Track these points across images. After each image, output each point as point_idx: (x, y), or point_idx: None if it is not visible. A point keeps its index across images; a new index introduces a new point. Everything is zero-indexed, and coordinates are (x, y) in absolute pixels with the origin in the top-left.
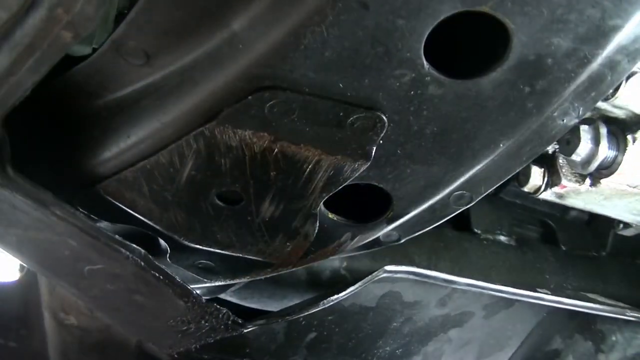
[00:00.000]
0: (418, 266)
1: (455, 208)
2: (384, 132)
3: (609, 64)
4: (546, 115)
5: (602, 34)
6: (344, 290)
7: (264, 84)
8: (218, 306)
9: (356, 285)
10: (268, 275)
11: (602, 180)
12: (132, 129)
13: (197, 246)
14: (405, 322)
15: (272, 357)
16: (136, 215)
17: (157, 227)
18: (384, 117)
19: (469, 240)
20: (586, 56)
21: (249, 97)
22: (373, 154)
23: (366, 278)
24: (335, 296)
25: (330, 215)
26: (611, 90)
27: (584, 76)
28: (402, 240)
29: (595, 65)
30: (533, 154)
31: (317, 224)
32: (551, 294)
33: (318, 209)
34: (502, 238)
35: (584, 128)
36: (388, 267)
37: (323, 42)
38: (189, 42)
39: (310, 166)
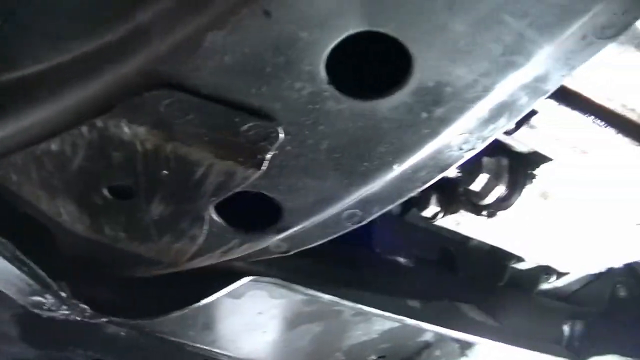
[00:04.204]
0: (307, 277)
1: (346, 225)
2: (279, 142)
3: (509, 99)
4: (443, 142)
5: (502, 69)
6: (206, 295)
7: (161, 82)
8: (77, 302)
9: (217, 294)
10: (155, 274)
11: (498, 213)
12: (25, 111)
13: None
14: (271, 314)
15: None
16: (23, 199)
17: (45, 213)
18: (279, 128)
19: (367, 257)
20: (485, 89)
21: (145, 94)
22: (265, 163)
23: (228, 287)
24: (196, 304)
25: (220, 221)
26: (512, 126)
27: (482, 108)
28: (291, 252)
29: (494, 98)
30: (428, 179)
31: (206, 227)
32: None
33: (207, 213)
34: (400, 259)
35: (486, 159)
36: (249, 278)
37: (224, 46)
38: (93, 29)
39: (201, 169)
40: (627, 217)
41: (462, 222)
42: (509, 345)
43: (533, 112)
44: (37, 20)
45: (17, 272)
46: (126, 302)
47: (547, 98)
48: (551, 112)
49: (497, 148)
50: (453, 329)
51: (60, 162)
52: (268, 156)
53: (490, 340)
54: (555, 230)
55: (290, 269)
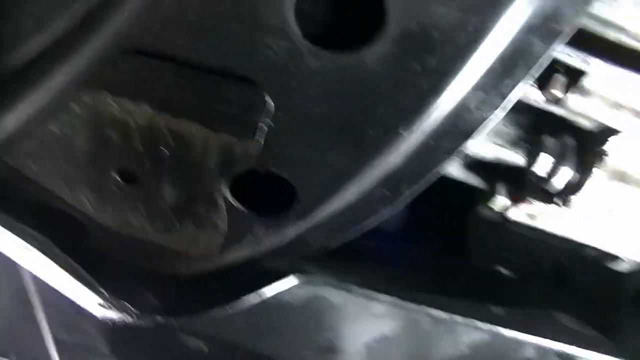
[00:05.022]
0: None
1: (378, 209)
2: (270, 111)
3: (518, 45)
4: (456, 102)
5: (493, 3)
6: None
7: (134, 49)
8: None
9: (271, 290)
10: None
11: (572, 200)
12: (29, 96)
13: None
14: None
15: None
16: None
17: (72, 205)
18: (266, 94)
19: (462, 268)
20: (477, 30)
21: (122, 63)
22: (261, 134)
23: (282, 284)
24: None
25: (238, 205)
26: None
27: (485, 56)
28: (335, 246)
29: (496, 44)
30: (453, 149)
31: (224, 213)
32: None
33: (221, 196)
34: (502, 269)
35: (547, 138)
36: (294, 279)
37: (180, 3)
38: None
39: (199, 144)
40: None
41: (536, 215)
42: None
43: (580, 73)
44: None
45: (60, 269)
46: (169, 300)
47: (593, 56)
48: (602, 72)
49: (559, 125)
50: (548, 339)
51: (67, 145)
52: (262, 126)
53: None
54: None
55: (372, 276)
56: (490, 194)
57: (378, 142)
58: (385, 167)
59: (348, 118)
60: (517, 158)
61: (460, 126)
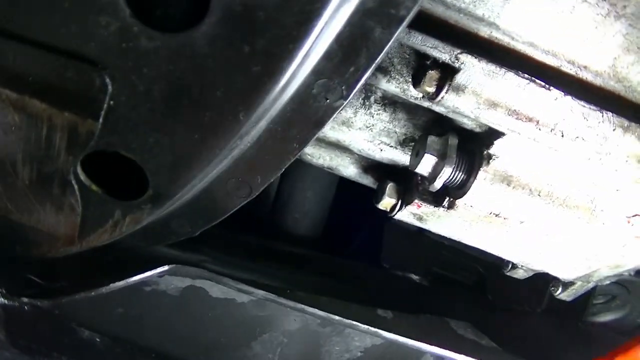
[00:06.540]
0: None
1: (237, 200)
2: (110, 90)
3: (358, 31)
4: (298, 89)
5: None
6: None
7: None
8: None
9: (136, 278)
10: (60, 255)
11: (457, 202)
12: None
13: None
14: (218, 317)
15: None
16: None
17: None
18: (105, 74)
19: (370, 270)
20: (304, 11)
21: None
22: (103, 113)
23: (148, 272)
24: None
25: (95, 188)
26: (407, 81)
27: (318, 39)
28: (197, 233)
29: (330, 28)
30: (304, 138)
31: (79, 195)
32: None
33: (76, 177)
34: (414, 276)
35: (431, 138)
36: (172, 266)
37: None
38: None
39: (45, 122)
40: (612, 207)
41: (423, 216)
42: None
43: (453, 69)
44: None
45: None
46: (35, 283)
47: (466, 52)
48: (475, 69)
49: (446, 126)
50: (438, 346)
51: None
52: (103, 105)
53: None
54: (533, 226)
55: (273, 276)
56: (379, 194)
57: (218, 127)
58: (233, 154)
59: (185, 100)
60: (405, 158)
61: (309, 115)
